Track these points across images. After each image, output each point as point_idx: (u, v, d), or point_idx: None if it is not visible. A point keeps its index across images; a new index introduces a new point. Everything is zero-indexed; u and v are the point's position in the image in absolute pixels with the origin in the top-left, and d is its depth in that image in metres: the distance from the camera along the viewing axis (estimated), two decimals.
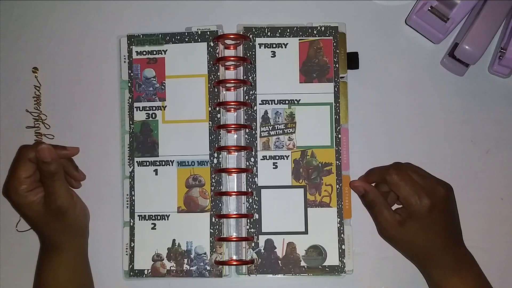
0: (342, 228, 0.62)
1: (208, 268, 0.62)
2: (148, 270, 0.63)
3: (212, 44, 0.64)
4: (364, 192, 0.59)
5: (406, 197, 0.56)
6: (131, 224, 0.63)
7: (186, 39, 0.65)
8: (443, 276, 0.57)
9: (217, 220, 0.63)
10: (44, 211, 0.57)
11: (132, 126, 0.64)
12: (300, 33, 0.64)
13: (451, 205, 0.58)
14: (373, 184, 0.61)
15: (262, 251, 0.62)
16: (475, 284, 0.57)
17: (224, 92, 0.65)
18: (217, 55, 0.64)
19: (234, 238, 0.62)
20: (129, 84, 0.65)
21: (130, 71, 0.65)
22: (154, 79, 0.65)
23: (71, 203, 0.58)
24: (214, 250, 0.62)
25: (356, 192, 0.61)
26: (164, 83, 0.65)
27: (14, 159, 0.59)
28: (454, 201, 0.59)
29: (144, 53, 0.65)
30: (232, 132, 0.64)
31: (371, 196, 0.59)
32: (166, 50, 0.65)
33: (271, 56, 0.64)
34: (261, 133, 0.64)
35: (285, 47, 0.64)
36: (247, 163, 0.63)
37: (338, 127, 0.63)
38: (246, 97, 0.64)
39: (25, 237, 0.65)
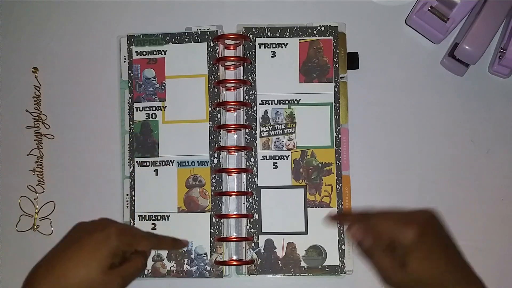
0: (342, 228, 0.62)
1: (208, 268, 0.62)
2: (148, 270, 0.63)
3: (212, 44, 0.64)
4: (362, 239, 0.52)
5: (391, 232, 0.51)
6: (131, 224, 0.63)
7: (186, 39, 0.65)
8: None
9: (217, 220, 0.63)
10: None
11: (132, 126, 0.64)
12: (300, 33, 0.64)
13: (440, 227, 0.52)
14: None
15: (262, 251, 0.62)
16: None
17: (224, 92, 0.65)
18: (217, 55, 0.64)
19: (234, 238, 0.62)
20: (129, 84, 0.65)
21: (130, 71, 0.65)
22: (154, 79, 0.65)
23: None
24: (214, 250, 0.62)
25: (353, 240, 0.54)
26: (164, 83, 0.65)
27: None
28: (442, 223, 0.53)
29: (144, 53, 0.65)
30: (232, 132, 0.64)
31: (368, 242, 0.52)
32: (166, 50, 0.65)
33: (271, 56, 0.64)
34: (261, 133, 0.64)
35: (285, 47, 0.64)
36: (247, 163, 0.63)
37: (338, 127, 0.63)
38: (246, 97, 0.64)
39: (25, 237, 0.65)
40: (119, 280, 0.49)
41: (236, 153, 0.64)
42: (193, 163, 0.64)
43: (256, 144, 0.64)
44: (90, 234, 0.49)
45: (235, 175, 0.64)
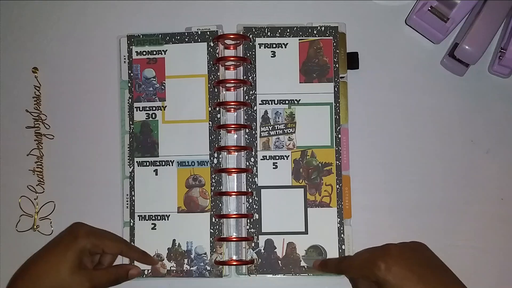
0: (342, 228, 0.62)
1: (208, 268, 0.62)
2: (148, 270, 0.63)
3: (212, 44, 0.64)
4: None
5: (363, 273, 0.52)
6: (131, 224, 0.63)
7: (186, 39, 0.65)
8: None
9: (217, 220, 0.63)
10: None
11: (132, 126, 0.64)
12: (300, 33, 0.64)
13: (416, 257, 0.52)
14: None
15: (262, 251, 0.62)
16: None
17: (224, 92, 0.65)
18: (217, 55, 0.64)
19: (234, 238, 0.62)
20: (129, 84, 0.65)
21: (130, 71, 0.65)
22: (154, 79, 0.65)
23: None
24: (214, 250, 0.62)
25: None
26: (164, 83, 0.65)
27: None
28: (421, 253, 0.53)
29: (144, 53, 0.65)
30: (232, 132, 0.64)
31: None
32: (166, 50, 0.65)
33: (271, 56, 0.64)
34: (261, 133, 0.64)
35: (285, 47, 0.64)
36: (247, 163, 0.63)
37: (338, 127, 0.63)
38: (246, 97, 0.64)
39: (25, 237, 0.65)
40: (86, 282, 0.54)
41: (236, 153, 0.64)
42: (193, 163, 0.64)
43: (256, 144, 0.64)
44: (61, 237, 0.56)
45: (235, 175, 0.64)
